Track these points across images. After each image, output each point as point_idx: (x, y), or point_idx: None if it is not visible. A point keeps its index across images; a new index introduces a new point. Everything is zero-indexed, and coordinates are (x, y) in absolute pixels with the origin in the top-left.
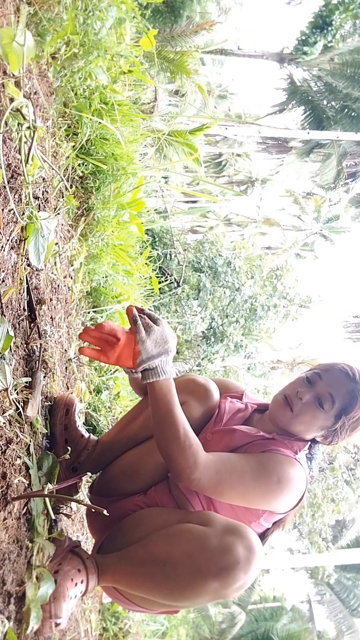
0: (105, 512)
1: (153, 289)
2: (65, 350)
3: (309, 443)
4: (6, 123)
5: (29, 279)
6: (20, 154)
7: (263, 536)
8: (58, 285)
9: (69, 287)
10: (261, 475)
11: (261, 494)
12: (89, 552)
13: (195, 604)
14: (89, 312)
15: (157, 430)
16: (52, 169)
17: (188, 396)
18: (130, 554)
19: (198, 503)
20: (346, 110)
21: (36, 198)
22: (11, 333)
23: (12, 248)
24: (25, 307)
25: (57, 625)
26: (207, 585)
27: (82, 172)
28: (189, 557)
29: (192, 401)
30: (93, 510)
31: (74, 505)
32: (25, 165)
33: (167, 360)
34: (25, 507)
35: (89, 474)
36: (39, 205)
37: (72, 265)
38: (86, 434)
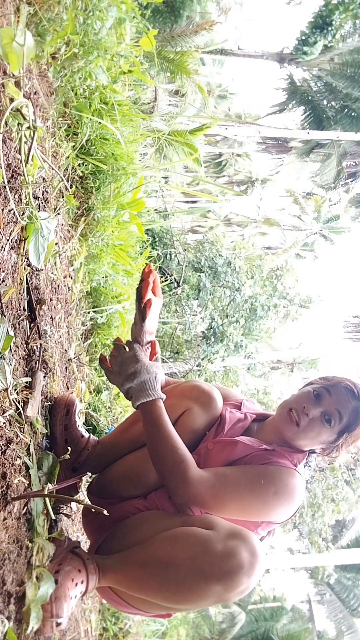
0: (105, 512)
1: None
2: (65, 350)
3: (307, 453)
4: (6, 123)
5: (29, 279)
6: (20, 154)
7: None
8: (58, 285)
9: (69, 287)
10: (258, 487)
11: (259, 505)
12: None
13: (197, 606)
14: (89, 312)
15: (149, 449)
16: (52, 169)
17: (192, 403)
18: (133, 556)
19: (197, 511)
20: (346, 110)
21: (36, 198)
22: (11, 333)
23: (12, 248)
24: (25, 307)
25: (57, 625)
26: (210, 588)
27: (82, 172)
28: (193, 560)
29: (196, 408)
30: (93, 510)
31: (74, 505)
32: (25, 165)
33: (140, 384)
34: (25, 507)
35: (89, 474)
36: (39, 205)
37: (72, 265)
38: (86, 434)
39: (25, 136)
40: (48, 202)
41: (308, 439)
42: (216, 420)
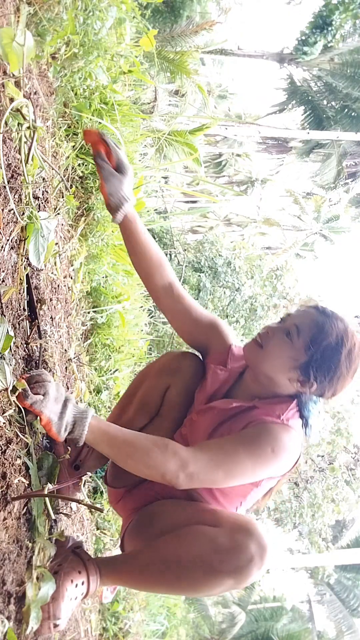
0: (104, 511)
1: None
2: (65, 350)
3: (294, 402)
4: (6, 123)
5: (29, 279)
6: (20, 154)
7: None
8: (58, 285)
9: (69, 287)
10: (255, 449)
11: (260, 467)
12: (90, 553)
13: (206, 596)
14: (89, 312)
15: (127, 465)
16: (52, 169)
17: (172, 377)
18: (141, 557)
19: (205, 490)
20: (346, 110)
21: (36, 198)
22: (11, 333)
23: (12, 248)
24: (25, 307)
25: (55, 626)
26: (223, 583)
27: (82, 172)
28: (202, 559)
29: (178, 381)
30: (93, 510)
31: (74, 505)
32: (25, 165)
33: (75, 409)
34: (25, 507)
35: (89, 474)
36: (39, 205)
37: (72, 265)
38: None
39: (25, 136)
40: (48, 202)
41: (273, 359)
42: (200, 377)
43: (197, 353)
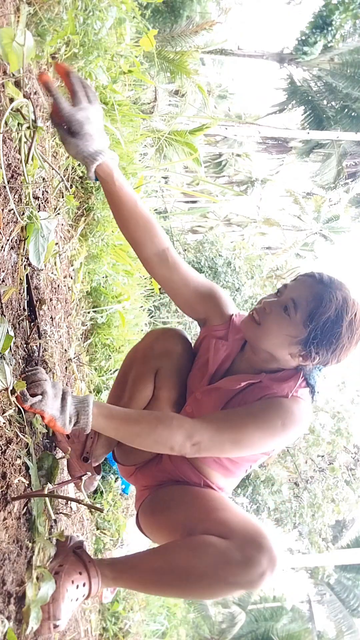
0: (104, 511)
1: (153, 289)
2: (65, 350)
3: (301, 376)
4: (6, 123)
5: (29, 279)
6: (20, 154)
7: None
8: (58, 285)
9: (69, 287)
10: (264, 422)
11: (269, 439)
12: (90, 553)
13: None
14: (89, 312)
15: (135, 443)
16: (52, 169)
17: (159, 360)
18: (148, 565)
19: (213, 462)
20: (346, 110)
21: (36, 198)
22: (11, 333)
23: (12, 248)
24: (25, 307)
25: (55, 626)
26: (234, 592)
27: (82, 172)
28: (213, 572)
29: (166, 363)
30: (93, 510)
31: (74, 505)
32: (25, 165)
33: (75, 400)
34: (25, 507)
35: (89, 473)
36: (39, 205)
37: (72, 265)
38: None
39: (25, 136)
40: (48, 202)
41: (271, 336)
42: (191, 352)
43: (181, 330)
